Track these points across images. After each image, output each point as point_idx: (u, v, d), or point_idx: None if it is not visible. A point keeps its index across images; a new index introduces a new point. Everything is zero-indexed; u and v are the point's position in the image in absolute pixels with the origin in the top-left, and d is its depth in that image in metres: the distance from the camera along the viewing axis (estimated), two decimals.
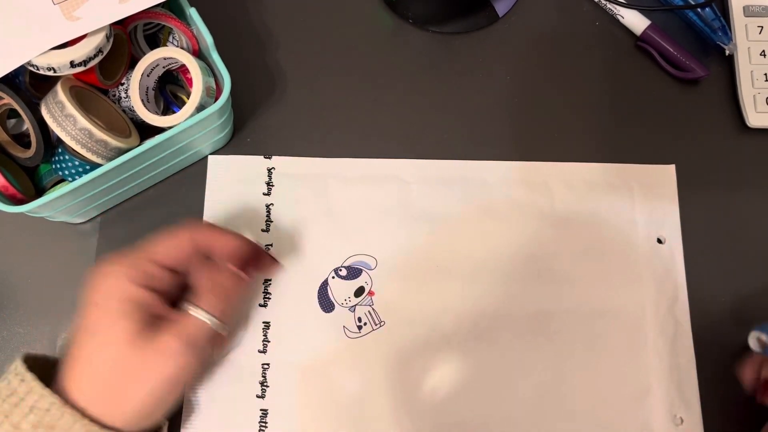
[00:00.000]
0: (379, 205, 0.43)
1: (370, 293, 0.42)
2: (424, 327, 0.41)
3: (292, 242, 0.43)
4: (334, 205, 0.43)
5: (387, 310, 0.42)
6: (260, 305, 0.42)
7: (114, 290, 0.33)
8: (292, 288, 0.42)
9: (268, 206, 0.43)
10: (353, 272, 0.42)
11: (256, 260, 0.38)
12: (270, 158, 0.44)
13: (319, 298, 0.42)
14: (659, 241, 0.43)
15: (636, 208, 0.44)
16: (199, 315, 0.34)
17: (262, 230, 0.43)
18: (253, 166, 0.44)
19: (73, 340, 0.34)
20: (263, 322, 0.41)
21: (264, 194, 0.44)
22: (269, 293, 0.42)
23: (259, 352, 0.41)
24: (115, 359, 0.33)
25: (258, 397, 0.40)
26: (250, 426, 0.40)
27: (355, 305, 0.42)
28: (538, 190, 0.44)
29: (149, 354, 0.33)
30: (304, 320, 0.41)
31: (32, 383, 0.32)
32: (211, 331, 0.35)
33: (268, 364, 0.41)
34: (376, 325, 0.41)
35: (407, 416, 0.40)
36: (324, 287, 0.42)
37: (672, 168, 0.45)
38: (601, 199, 0.44)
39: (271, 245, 0.43)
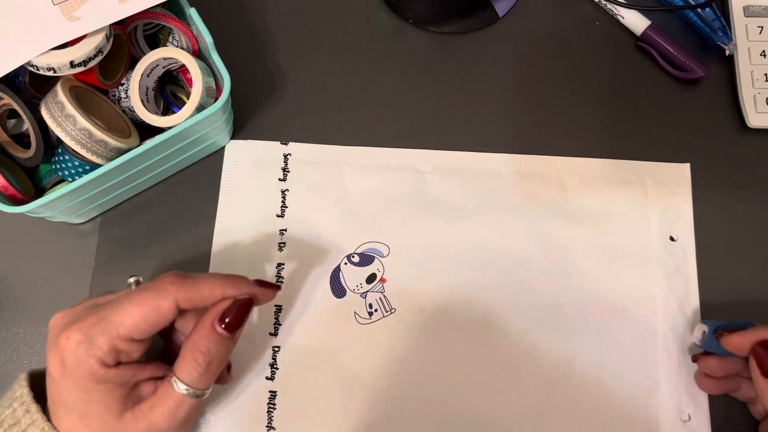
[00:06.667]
0: (393, 194, 0.44)
1: (382, 280, 0.42)
2: (434, 315, 0.42)
3: (306, 228, 0.43)
4: (348, 193, 0.44)
5: (398, 297, 0.42)
6: None
7: (85, 372, 0.31)
8: (304, 273, 0.42)
9: (283, 192, 0.44)
10: (366, 259, 0.43)
11: (245, 307, 0.34)
12: (286, 144, 0.45)
13: (331, 284, 0.42)
14: (671, 238, 0.43)
15: (649, 205, 0.44)
16: (180, 390, 0.32)
17: (277, 215, 0.43)
18: (269, 151, 0.45)
19: (52, 405, 0.32)
20: (275, 306, 0.42)
21: (280, 180, 0.44)
22: (282, 277, 0.42)
23: (270, 334, 0.41)
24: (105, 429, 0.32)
25: (267, 378, 0.41)
26: (258, 407, 0.40)
27: (367, 292, 0.42)
28: (551, 183, 0.44)
29: (138, 431, 0.32)
30: (316, 305, 0.42)
31: (36, 415, 0.32)
32: (196, 403, 0.33)
33: (278, 347, 0.41)
34: (387, 311, 0.42)
35: (416, 403, 0.40)
36: (336, 273, 0.42)
37: (687, 167, 0.45)
38: (614, 194, 0.44)
39: (286, 230, 0.43)
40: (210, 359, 0.33)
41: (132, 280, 0.35)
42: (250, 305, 0.34)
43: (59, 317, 0.33)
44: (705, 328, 0.39)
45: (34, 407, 0.32)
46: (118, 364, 0.32)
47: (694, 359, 0.40)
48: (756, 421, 0.40)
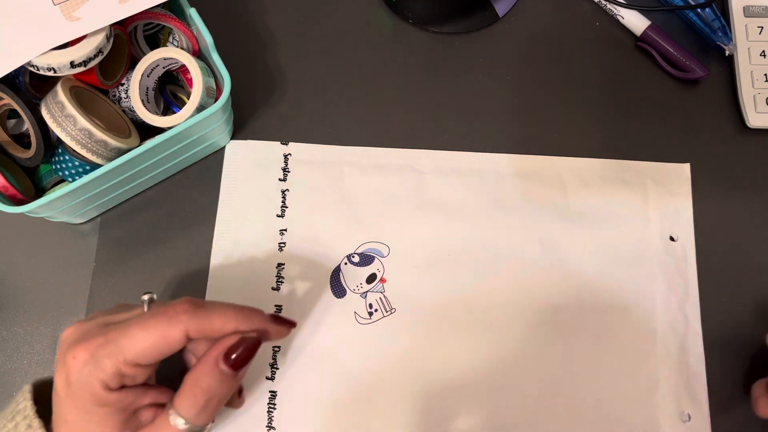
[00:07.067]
0: (394, 194, 0.44)
1: (382, 280, 0.42)
2: (434, 315, 0.42)
3: (307, 228, 0.43)
4: (348, 193, 0.44)
5: (398, 297, 0.42)
6: (273, 289, 0.42)
7: (87, 393, 0.30)
8: (304, 273, 0.42)
9: (283, 192, 0.44)
10: (366, 259, 0.43)
11: (252, 348, 0.33)
12: (287, 144, 0.45)
13: (331, 284, 0.42)
14: (672, 238, 0.44)
15: (649, 205, 0.44)
16: (177, 424, 0.31)
17: (277, 215, 0.43)
18: (269, 151, 0.45)
19: (56, 420, 0.32)
20: (275, 305, 0.42)
21: (280, 180, 0.44)
22: (282, 277, 0.42)
23: None
24: None
25: (267, 378, 0.41)
26: (258, 407, 0.40)
27: (367, 292, 0.42)
28: (551, 183, 0.44)
29: None
30: (316, 305, 0.42)
31: (39, 431, 0.31)
32: None
33: (278, 347, 0.41)
34: (386, 311, 0.42)
35: (415, 403, 0.40)
36: (336, 273, 0.43)
37: (687, 167, 0.45)
38: (614, 194, 0.44)
39: (286, 230, 0.43)
40: (209, 396, 0.31)
41: (146, 297, 0.33)
42: (257, 346, 0.33)
43: (70, 332, 0.32)
44: None
45: (36, 422, 0.32)
46: (122, 387, 0.31)
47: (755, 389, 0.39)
48: (757, 423, 0.40)
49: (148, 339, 0.30)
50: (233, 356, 0.32)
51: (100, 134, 0.37)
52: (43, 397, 0.33)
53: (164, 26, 0.43)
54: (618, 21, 0.48)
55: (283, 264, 0.43)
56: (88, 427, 0.31)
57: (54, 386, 0.32)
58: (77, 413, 0.31)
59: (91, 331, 0.32)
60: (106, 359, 0.30)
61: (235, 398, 0.38)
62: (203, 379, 0.32)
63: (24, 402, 0.33)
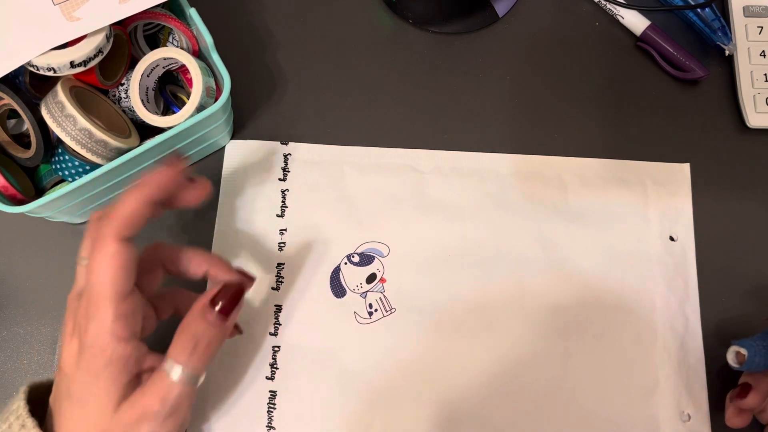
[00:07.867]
0: (393, 194, 0.44)
1: (382, 280, 0.42)
2: (434, 315, 0.42)
3: (306, 228, 0.43)
4: (348, 192, 0.44)
5: (398, 297, 0.42)
6: (272, 288, 0.42)
7: (99, 349, 0.31)
8: (304, 272, 0.43)
9: (283, 192, 0.44)
10: (366, 259, 0.43)
11: (236, 294, 0.34)
12: (286, 144, 0.45)
13: (331, 284, 0.42)
14: (671, 238, 0.44)
15: (649, 205, 0.44)
16: (170, 371, 0.32)
17: (277, 215, 0.43)
18: (269, 151, 0.45)
19: (54, 403, 0.33)
20: (275, 305, 0.42)
21: (280, 179, 0.44)
22: (282, 277, 0.42)
23: (270, 334, 0.41)
24: (100, 429, 0.32)
25: (267, 378, 0.41)
26: (258, 407, 0.40)
27: (367, 291, 0.42)
28: (552, 183, 0.44)
29: (132, 419, 0.32)
30: (316, 305, 0.42)
31: (33, 431, 0.31)
32: (188, 388, 0.33)
33: (278, 347, 0.41)
34: (386, 311, 0.42)
35: (414, 403, 0.40)
36: (336, 273, 0.43)
37: (686, 167, 0.45)
38: (614, 194, 0.44)
39: (286, 230, 0.43)
40: (197, 340, 0.32)
41: None
42: (241, 292, 0.35)
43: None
44: (743, 350, 0.36)
45: (30, 422, 0.32)
46: (131, 341, 0.32)
47: (731, 399, 0.39)
48: (757, 423, 0.40)
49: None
50: (218, 303, 0.33)
51: (100, 134, 0.37)
52: (38, 399, 0.33)
53: (164, 26, 0.43)
54: (618, 21, 0.48)
55: (283, 264, 0.43)
56: (95, 393, 0.31)
57: (59, 366, 0.32)
58: (83, 383, 0.31)
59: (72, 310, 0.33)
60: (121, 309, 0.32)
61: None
62: (191, 325, 0.33)
63: (17, 402, 0.33)
